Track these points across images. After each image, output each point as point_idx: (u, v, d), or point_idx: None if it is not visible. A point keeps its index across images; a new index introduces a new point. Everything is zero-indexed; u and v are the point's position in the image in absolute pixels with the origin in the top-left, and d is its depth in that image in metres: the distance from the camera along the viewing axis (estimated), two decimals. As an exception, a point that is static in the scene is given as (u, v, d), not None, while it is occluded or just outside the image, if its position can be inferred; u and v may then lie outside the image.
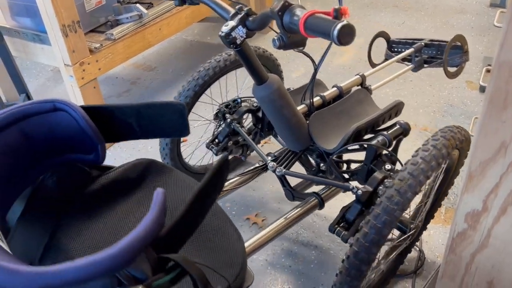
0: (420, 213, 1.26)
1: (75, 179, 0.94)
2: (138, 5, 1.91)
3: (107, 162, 0.95)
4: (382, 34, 1.56)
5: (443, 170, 1.23)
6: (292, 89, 1.39)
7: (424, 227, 1.36)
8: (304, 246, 1.49)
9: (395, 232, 1.30)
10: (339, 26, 0.75)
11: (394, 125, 1.17)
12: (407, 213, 1.21)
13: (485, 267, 0.82)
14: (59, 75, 2.44)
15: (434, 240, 1.46)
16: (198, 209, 0.66)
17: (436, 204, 1.32)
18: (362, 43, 2.49)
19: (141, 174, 0.98)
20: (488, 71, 1.90)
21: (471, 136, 1.13)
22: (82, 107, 0.85)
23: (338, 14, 0.78)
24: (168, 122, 0.88)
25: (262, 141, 1.76)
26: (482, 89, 2.09)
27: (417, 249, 1.42)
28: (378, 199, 0.99)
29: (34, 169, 0.86)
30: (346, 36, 0.75)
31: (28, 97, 1.82)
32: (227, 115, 1.38)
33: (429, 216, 1.34)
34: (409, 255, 1.37)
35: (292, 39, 0.87)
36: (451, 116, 1.98)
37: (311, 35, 0.82)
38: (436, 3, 2.89)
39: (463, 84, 2.17)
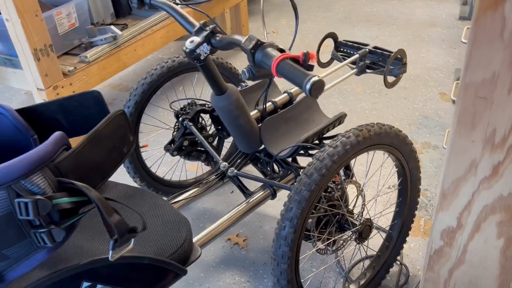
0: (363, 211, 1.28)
1: None
2: (112, 26, 1.90)
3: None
4: (331, 35, 1.61)
5: (399, 174, 1.27)
6: (244, 85, 1.45)
7: (402, 240, 1.37)
8: (254, 250, 1.48)
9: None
10: (311, 80, 0.82)
11: (337, 135, 1.24)
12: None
13: (463, 283, 0.83)
14: (33, 98, 2.40)
15: (415, 253, 1.47)
16: (98, 147, 0.72)
17: (407, 213, 1.33)
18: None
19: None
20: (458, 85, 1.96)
21: (402, 133, 1.19)
22: (15, 110, 0.88)
23: (306, 59, 0.86)
24: (90, 112, 0.91)
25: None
26: (454, 102, 2.14)
27: (399, 263, 1.43)
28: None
29: None
30: (316, 90, 0.83)
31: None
32: (181, 115, 1.42)
33: (406, 227, 1.35)
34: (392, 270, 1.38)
35: (260, 73, 0.93)
36: (426, 128, 2.02)
37: (282, 77, 0.88)
38: (408, 17, 2.97)
39: (437, 96, 2.22)
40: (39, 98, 1.69)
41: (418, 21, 2.92)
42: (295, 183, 1.08)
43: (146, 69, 2.62)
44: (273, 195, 1.31)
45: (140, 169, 1.53)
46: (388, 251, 1.35)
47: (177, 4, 1.14)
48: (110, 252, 0.68)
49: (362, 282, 1.34)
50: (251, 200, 1.28)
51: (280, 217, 1.07)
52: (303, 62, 0.86)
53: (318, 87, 0.83)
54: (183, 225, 0.93)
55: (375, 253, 1.37)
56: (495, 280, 0.79)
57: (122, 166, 1.57)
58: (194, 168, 1.78)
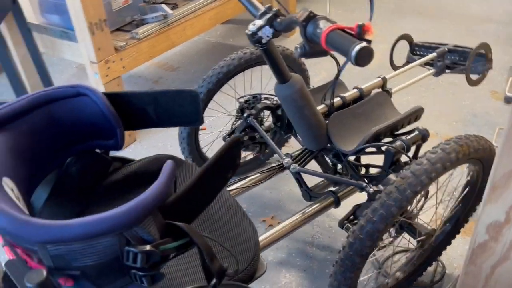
0: (433, 220, 1.25)
1: (97, 167, 0.97)
2: (163, 5, 1.94)
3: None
4: (405, 37, 1.56)
5: (469, 183, 1.21)
6: (313, 87, 1.41)
7: (447, 241, 1.34)
8: (320, 250, 1.49)
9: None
10: (357, 47, 0.76)
11: (412, 130, 1.17)
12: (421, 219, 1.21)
13: (506, 280, 0.80)
14: (82, 72, 2.49)
15: (453, 251, 1.44)
16: (208, 183, 0.68)
17: (462, 219, 1.30)
18: (385, 49, 2.47)
19: (159, 168, 1.00)
20: (514, 81, 1.87)
21: (496, 147, 1.11)
22: (103, 93, 0.87)
23: (361, 31, 0.79)
24: (183, 109, 0.89)
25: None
26: (508, 100, 2.05)
27: (438, 261, 1.40)
28: (378, 194, 1.01)
29: (58, 154, 0.88)
30: (363, 58, 0.76)
31: (54, 92, 1.87)
32: (246, 110, 1.40)
33: (455, 231, 1.32)
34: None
35: (314, 49, 0.88)
36: (474, 126, 1.95)
37: (331, 49, 0.83)
38: (461, 11, 2.86)
39: (488, 93, 2.13)
40: (91, 71, 1.76)
41: (473, 15, 2.80)
42: (380, 195, 0.99)
43: (192, 50, 2.66)
44: (337, 204, 1.24)
45: (194, 151, 1.56)
46: (432, 251, 1.32)
47: None
48: None
49: (400, 277, 1.32)
50: (310, 210, 1.21)
51: (356, 227, 1.00)
52: (357, 35, 0.79)
53: (365, 55, 0.76)
54: (252, 236, 0.87)
55: (415, 248, 1.34)
56: (541, 280, 0.77)
57: (176, 142, 1.62)
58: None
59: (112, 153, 1.00)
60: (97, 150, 0.95)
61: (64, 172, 0.92)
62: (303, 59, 1.55)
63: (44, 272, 0.56)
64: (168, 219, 0.65)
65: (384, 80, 1.39)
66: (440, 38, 2.58)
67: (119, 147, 0.91)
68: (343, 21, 0.83)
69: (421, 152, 1.17)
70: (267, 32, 0.99)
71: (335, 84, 1.20)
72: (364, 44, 0.76)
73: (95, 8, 1.63)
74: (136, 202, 0.59)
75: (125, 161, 1.02)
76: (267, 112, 1.43)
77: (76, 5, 1.60)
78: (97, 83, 1.77)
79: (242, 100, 1.42)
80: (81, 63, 1.91)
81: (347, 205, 1.26)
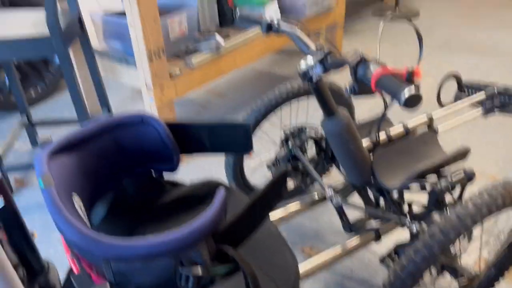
0: (477, 263, 1.23)
1: (152, 189, 1.04)
2: (217, 35, 2.04)
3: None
4: (454, 75, 1.56)
5: None
6: (358, 122, 1.43)
7: (491, 285, 1.31)
8: (358, 284, 1.48)
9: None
10: (407, 92, 0.80)
11: (458, 171, 1.16)
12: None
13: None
14: (136, 95, 2.63)
15: (497, 295, 1.40)
16: (256, 213, 0.73)
17: (507, 263, 1.27)
18: (432, 83, 2.47)
19: (208, 193, 1.06)
20: None
21: None
22: (166, 123, 0.95)
23: (410, 76, 0.83)
24: (235, 140, 0.96)
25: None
26: (560, 142, 1.99)
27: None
28: (421, 234, 1.01)
29: (118, 175, 0.96)
30: (412, 102, 0.80)
31: (109, 111, 2.00)
32: (290, 140, 1.43)
33: (499, 274, 1.29)
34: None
35: (362, 89, 0.93)
36: (523, 167, 1.90)
37: (380, 91, 0.87)
38: (513, 49, 2.81)
39: (539, 134, 2.07)
40: (147, 95, 1.87)
41: (526, 53, 2.75)
42: (423, 235, 0.99)
43: (239, 77, 2.76)
44: (378, 238, 1.24)
45: (239, 177, 1.61)
46: None
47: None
48: None
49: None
50: (350, 243, 1.22)
51: (398, 266, 1.00)
52: (406, 79, 0.83)
53: (414, 99, 0.80)
54: (292, 265, 0.90)
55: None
56: None
57: (220, 166, 1.67)
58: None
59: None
60: (152, 171, 1.02)
61: (122, 192, 1.00)
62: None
63: (109, 287, 0.61)
64: (218, 244, 0.70)
65: (430, 118, 1.40)
66: (488, 77, 2.55)
67: (173, 170, 0.99)
68: (387, 55, 0.86)
69: (467, 192, 1.17)
70: (318, 71, 1.02)
71: (381, 121, 1.23)
72: (413, 89, 0.80)
73: (155, 37, 1.75)
74: (194, 227, 0.65)
75: (177, 184, 1.08)
76: (309, 141, 1.47)
77: (138, 34, 1.72)
78: (151, 106, 1.88)
79: (287, 130, 1.46)
80: (137, 87, 2.03)
81: (387, 239, 1.26)
